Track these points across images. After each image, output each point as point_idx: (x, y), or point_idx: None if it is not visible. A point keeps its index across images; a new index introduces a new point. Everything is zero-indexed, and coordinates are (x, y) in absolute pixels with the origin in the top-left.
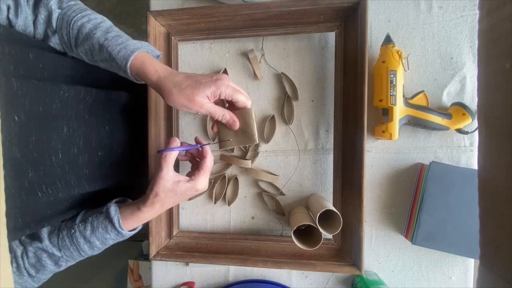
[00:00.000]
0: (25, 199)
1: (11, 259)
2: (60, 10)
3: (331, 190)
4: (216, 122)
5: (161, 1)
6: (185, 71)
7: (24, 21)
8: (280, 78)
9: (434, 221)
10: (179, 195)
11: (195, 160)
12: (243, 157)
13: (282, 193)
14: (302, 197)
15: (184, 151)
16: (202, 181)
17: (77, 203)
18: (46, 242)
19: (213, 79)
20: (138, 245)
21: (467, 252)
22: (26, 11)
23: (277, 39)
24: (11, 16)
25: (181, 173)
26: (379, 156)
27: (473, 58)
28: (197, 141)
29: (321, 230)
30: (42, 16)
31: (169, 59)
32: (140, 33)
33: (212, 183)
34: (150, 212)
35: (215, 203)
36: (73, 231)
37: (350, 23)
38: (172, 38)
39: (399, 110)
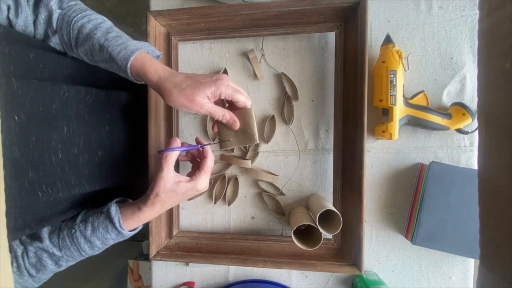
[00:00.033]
0: (25, 199)
1: (12, 258)
2: (60, 11)
3: (331, 190)
4: (217, 122)
5: (161, 1)
6: (185, 71)
7: (24, 21)
8: (280, 78)
9: (434, 221)
10: (179, 195)
11: (195, 160)
12: (243, 157)
13: (282, 193)
14: (302, 197)
15: (184, 152)
16: (203, 181)
17: (77, 203)
18: (47, 242)
19: (213, 79)
20: (138, 245)
21: (467, 252)
22: (26, 11)
23: (277, 39)
24: (11, 16)
25: (181, 173)
26: (379, 156)
27: (473, 58)
28: (197, 141)
29: (321, 230)
30: (42, 16)
31: (169, 59)
32: (140, 33)
33: (212, 183)
34: (151, 212)
35: (215, 203)
36: (73, 231)
37: (350, 23)
38: (172, 38)
39: (399, 110)
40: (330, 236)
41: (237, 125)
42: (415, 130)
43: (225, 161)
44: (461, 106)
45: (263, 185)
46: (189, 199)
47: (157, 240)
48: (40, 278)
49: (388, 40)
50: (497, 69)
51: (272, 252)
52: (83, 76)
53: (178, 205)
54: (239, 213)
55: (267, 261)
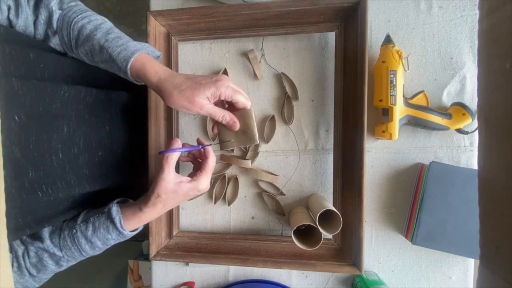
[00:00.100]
0: (26, 199)
1: (13, 258)
2: (60, 11)
3: (331, 190)
4: (217, 123)
5: (161, 1)
6: (185, 71)
7: (24, 21)
8: (280, 78)
9: (434, 221)
10: (181, 195)
11: (197, 161)
12: (243, 157)
13: (282, 193)
14: (302, 197)
15: (186, 152)
16: (204, 181)
17: (78, 203)
18: (48, 242)
19: (213, 80)
20: (138, 245)
21: (467, 252)
22: (27, 11)
23: (277, 39)
24: (12, 16)
25: (181, 174)
26: (379, 156)
27: (473, 58)
28: (199, 142)
29: (321, 230)
30: (42, 16)
31: (169, 59)
32: (140, 33)
33: (212, 183)
34: (152, 213)
35: (215, 203)
36: (74, 231)
37: (350, 23)
38: (172, 38)
39: (399, 110)
40: (330, 236)
41: (237, 126)
42: (415, 130)
43: (225, 161)
44: (461, 106)
45: (263, 185)
46: (190, 199)
47: (157, 240)
48: (41, 278)
49: (388, 40)
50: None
51: (272, 252)
52: (83, 76)
53: (178, 205)
54: (239, 213)
55: (267, 261)
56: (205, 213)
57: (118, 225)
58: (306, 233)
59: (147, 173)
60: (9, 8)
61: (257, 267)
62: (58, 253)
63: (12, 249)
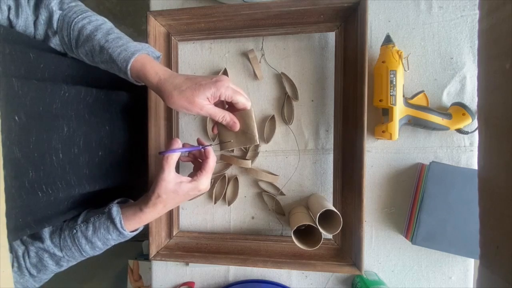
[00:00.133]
0: (26, 199)
1: (13, 258)
2: (61, 11)
3: (331, 190)
4: (217, 124)
5: (161, 1)
6: (185, 71)
7: (24, 21)
8: (280, 78)
9: (434, 221)
10: (181, 195)
11: (197, 161)
12: (243, 157)
13: (282, 193)
14: (302, 197)
15: (186, 152)
16: (205, 181)
17: (78, 203)
18: (48, 242)
19: (213, 80)
20: (138, 245)
21: (467, 252)
22: (27, 11)
23: (277, 39)
24: (12, 16)
25: (181, 174)
26: (379, 156)
27: (473, 58)
28: (199, 142)
29: (321, 230)
30: (42, 17)
31: (169, 59)
32: (140, 33)
33: (212, 183)
34: (152, 213)
35: (215, 203)
36: (74, 231)
37: (350, 23)
38: (172, 38)
39: (399, 110)
40: (330, 236)
41: (237, 126)
42: (415, 130)
43: (225, 161)
44: (461, 106)
45: (263, 185)
46: (190, 199)
47: (157, 240)
48: (41, 278)
49: (388, 40)
50: (497, 69)
51: (272, 252)
52: (83, 76)
53: (178, 205)
54: (239, 213)
55: (267, 261)
56: (205, 213)
57: (119, 225)
58: (306, 233)
59: (147, 173)
60: (9, 8)
61: (257, 267)
62: (59, 253)
63: (12, 249)
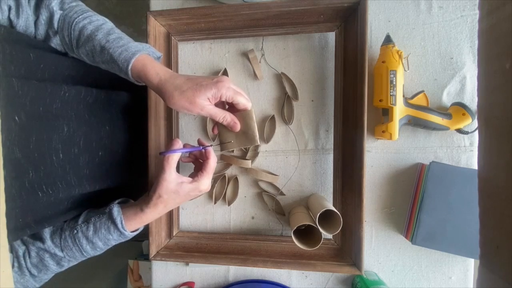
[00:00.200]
0: (26, 199)
1: (13, 258)
2: (61, 11)
3: (331, 190)
4: (217, 124)
5: (161, 1)
6: (185, 71)
7: (25, 21)
8: (280, 78)
9: (434, 221)
10: (182, 196)
11: (198, 161)
12: (243, 157)
13: (282, 193)
14: (302, 197)
15: (187, 153)
16: (205, 181)
17: (78, 203)
18: (49, 242)
19: (214, 81)
20: (138, 245)
21: (467, 252)
22: (27, 11)
23: (277, 39)
24: (12, 16)
25: (181, 174)
26: (379, 156)
27: (473, 58)
28: (199, 142)
29: (321, 230)
30: (43, 17)
31: (169, 59)
32: (140, 33)
33: (212, 183)
34: (153, 214)
35: (215, 203)
36: (75, 231)
37: (350, 23)
38: (172, 38)
39: (399, 110)
40: (330, 236)
41: (238, 127)
42: (415, 130)
43: (225, 161)
44: (461, 106)
45: (263, 185)
46: (190, 199)
47: (157, 240)
48: (42, 278)
49: (388, 40)
50: (497, 69)
51: (272, 252)
52: (84, 76)
53: (178, 206)
54: (239, 213)
55: (267, 261)
56: (205, 213)
57: (119, 225)
58: (306, 233)
59: (147, 173)
60: (9, 8)
61: (257, 267)
62: (59, 253)
63: (13, 249)
